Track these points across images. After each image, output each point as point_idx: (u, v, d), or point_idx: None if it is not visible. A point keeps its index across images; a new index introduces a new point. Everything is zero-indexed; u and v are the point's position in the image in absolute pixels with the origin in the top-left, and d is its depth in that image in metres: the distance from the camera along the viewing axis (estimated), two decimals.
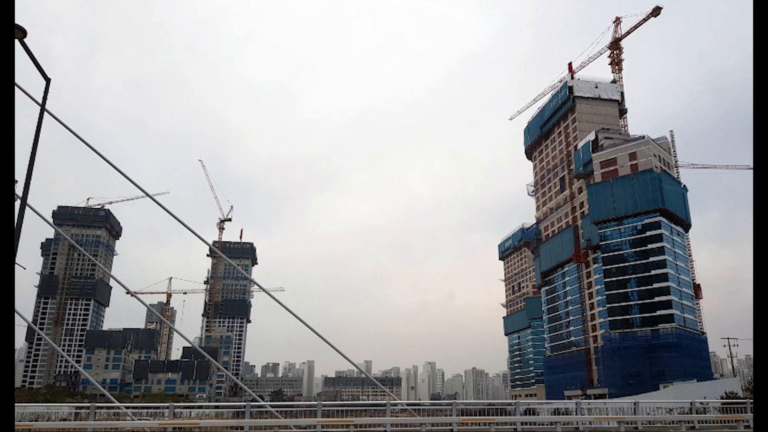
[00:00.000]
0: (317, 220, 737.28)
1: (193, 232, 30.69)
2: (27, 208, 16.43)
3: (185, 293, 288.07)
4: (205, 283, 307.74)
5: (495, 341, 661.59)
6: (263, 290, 36.58)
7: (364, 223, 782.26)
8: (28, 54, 16.26)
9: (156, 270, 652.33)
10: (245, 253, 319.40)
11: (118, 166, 29.31)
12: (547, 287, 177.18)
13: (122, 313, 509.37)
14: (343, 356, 31.09)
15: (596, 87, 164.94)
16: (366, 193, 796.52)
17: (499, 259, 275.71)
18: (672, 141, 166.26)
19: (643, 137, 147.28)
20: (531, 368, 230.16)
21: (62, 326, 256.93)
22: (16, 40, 14.65)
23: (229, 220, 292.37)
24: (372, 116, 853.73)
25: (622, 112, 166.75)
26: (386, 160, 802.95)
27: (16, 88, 19.71)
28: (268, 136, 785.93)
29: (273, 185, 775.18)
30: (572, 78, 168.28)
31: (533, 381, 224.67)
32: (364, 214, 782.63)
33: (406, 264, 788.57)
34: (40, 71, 16.91)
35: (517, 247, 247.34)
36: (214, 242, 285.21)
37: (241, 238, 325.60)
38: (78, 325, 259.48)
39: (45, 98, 17.92)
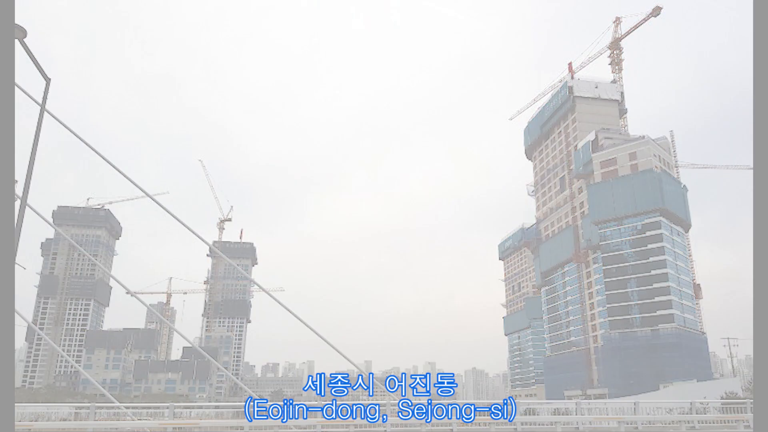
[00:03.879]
0: (317, 220, 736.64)
1: (193, 232, 30.62)
2: (27, 208, 16.42)
3: (185, 293, 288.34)
4: (205, 283, 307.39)
5: (495, 341, 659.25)
6: (263, 290, 36.52)
7: (364, 223, 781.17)
8: (28, 54, 16.23)
9: (156, 270, 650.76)
10: (245, 253, 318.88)
11: (118, 166, 29.23)
12: (547, 287, 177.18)
13: (122, 313, 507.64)
14: (343, 356, 31.04)
15: (596, 87, 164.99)
16: (366, 193, 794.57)
17: (499, 259, 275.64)
18: (672, 141, 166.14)
19: (643, 137, 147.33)
20: (531, 368, 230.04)
21: (62, 326, 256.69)
22: (16, 40, 14.64)
23: (229, 220, 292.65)
24: (372, 116, 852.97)
25: (622, 112, 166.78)
26: (386, 160, 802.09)
27: (16, 88, 19.70)
28: (268, 136, 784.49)
29: (273, 185, 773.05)
30: (572, 78, 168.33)
31: (533, 381, 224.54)
32: (364, 214, 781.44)
33: (406, 264, 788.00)
34: (40, 71, 16.90)
35: (517, 247, 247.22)
36: (214, 242, 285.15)
37: (241, 238, 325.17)
38: (78, 325, 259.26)
39: (45, 98, 17.90)
